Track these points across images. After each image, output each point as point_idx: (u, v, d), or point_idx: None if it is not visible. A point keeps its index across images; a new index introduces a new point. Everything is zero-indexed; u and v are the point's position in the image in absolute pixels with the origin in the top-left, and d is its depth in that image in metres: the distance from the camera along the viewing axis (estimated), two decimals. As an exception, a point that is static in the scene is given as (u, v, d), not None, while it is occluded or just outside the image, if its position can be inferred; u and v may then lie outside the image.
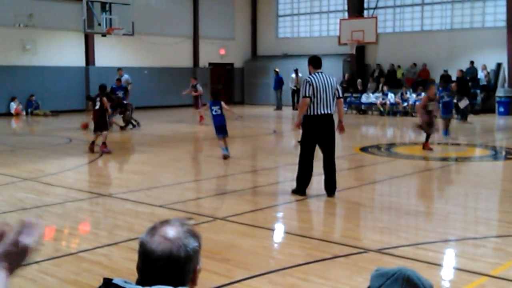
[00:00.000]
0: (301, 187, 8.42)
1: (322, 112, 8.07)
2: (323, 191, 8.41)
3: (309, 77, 8.10)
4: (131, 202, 7.99)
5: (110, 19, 19.91)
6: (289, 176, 10.59)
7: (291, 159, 12.20)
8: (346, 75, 26.80)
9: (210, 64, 30.34)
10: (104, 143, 12.59)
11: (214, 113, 11.67)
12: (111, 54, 25.90)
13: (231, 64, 31.53)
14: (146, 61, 27.30)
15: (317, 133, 8.18)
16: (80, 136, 15.98)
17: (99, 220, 7.34)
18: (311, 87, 7.99)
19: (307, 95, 8.00)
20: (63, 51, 24.46)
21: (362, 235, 6.57)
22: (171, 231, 1.72)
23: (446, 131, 14.87)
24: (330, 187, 8.37)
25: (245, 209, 7.59)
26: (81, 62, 25.24)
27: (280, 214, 7.71)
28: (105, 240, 6.23)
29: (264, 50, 32.38)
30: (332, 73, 30.06)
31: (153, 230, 1.75)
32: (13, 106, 22.81)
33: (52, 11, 23.64)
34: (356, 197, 8.55)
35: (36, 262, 5.37)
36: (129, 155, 13.10)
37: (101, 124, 12.65)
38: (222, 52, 30.99)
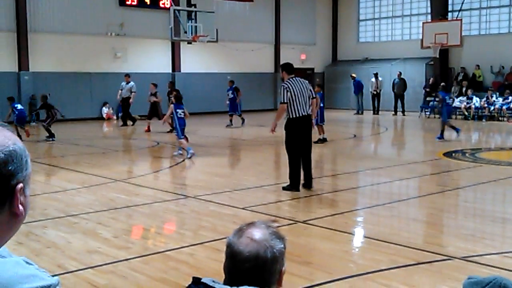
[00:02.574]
0: (294, 184, 8.95)
1: (302, 113, 8.74)
2: (405, 197, 8.32)
3: (286, 83, 8.74)
4: (214, 204, 8.23)
5: (195, 27, 20.51)
6: (369, 181, 10.56)
7: (371, 163, 12.14)
8: (431, 79, 26.16)
9: (291, 69, 30.47)
10: None
11: (178, 115, 12.69)
12: (196, 61, 26.67)
13: (312, 69, 31.57)
14: (229, 67, 27.86)
15: (299, 133, 8.83)
16: (167, 139, 16.57)
17: (185, 221, 7.61)
18: (288, 93, 8.65)
19: (285, 101, 8.67)
20: (151, 58, 25.46)
21: (446, 241, 6.46)
22: (257, 233, 1.75)
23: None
24: (309, 181, 9.07)
25: (326, 213, 7.64)
26: (168, 69, 26.17)
27: (360, 219, 7.70)
28: (190, 240, 6.45)
29: (345, 55, 32.19)
30: (414, 77, 29.48)
31: (240, 231, 1.78)
32: (105, 110, 23.97)
33: (141, 21, 24.68)
34: (440, 203, 8.39)
35: (127, 260, 5.69)
36: (213, 158, 13.46)
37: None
38: (303, 57, 31.10)
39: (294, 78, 8.85)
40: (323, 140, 15.27)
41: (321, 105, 15.32)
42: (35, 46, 22.40)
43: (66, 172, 11.29)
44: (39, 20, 22.33)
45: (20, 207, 1.25)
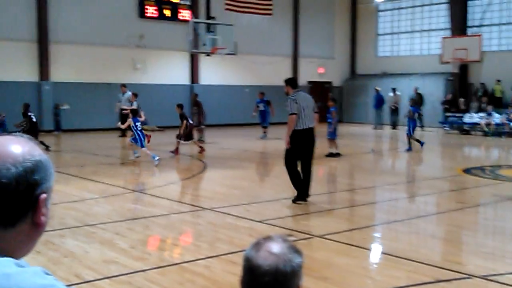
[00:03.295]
0: (301, 194, 9.01)
1: (307, 126, 8.93)
2: (423, 213, 8.24)
3: (293, 96, 8.95)
4: (231, 216, 8.21)
5: (214, 39, 20.63)
6: (387, 196, 10.48)
7: (390, 179, 12.06)
8: (449, 95, 25.99)
9: (309, 82, 30.55)
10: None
11: (138, 128, 13.88)
12: (214, 73, 26.82)
13: (330, 83, 31.55)
14: (247, 79, 27.96)
15: (303, 145, 8.96)
16: (185, 150, 16.62)
17: (201, 233, 7.59)
18: (296, 105, 8.83)
19: (294, 111, 8.83)
20: (170, 70, 25.66)
21: (465, 259, 6.37)
22: (276, 246, 1.73)
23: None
24: (306, 193, 9.06)
25: (343, 228, 7.59)
26: (187, 80, 26.34)
27: (378, 234, 7.64)
28: (206, 252, 6.43)
29: (363, 69, 32.15)
30: (433, 92, 29.38)
31: (257, 245, 1.75)
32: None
33: (161, 32, 24.92)
34: (459, 220, 8.29)
35: (143, 271, 5.69)
36: (229, 170, 13.48)
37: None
38: (321, 70, 31.11)
39: (298, 92, 9.07)
40: (335, 155, 15.16)
41: (336, 119, 15.28)
42: (56, 56, 22.70)
43: (84, 181, 11.37)
44: (61, 30, 22.63)
45: (43, 217, 1.26)
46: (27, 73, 22.20)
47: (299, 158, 9.05)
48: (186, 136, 15.58)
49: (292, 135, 9.01)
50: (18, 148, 1.24)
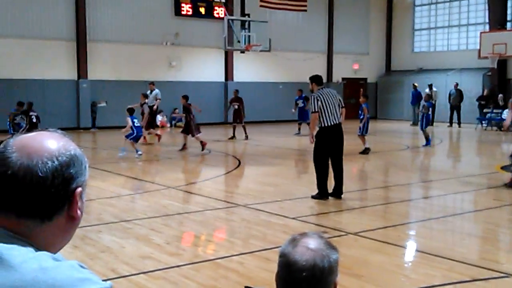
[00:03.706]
0: (323, 192, 9.03)
1: (333, 122, 8.95)
2: (460, 211, 8.11)
3: (317, 93, 9.02)
4: (265, 213, 8.24)
5: (249, 36, 20.66)
6: (422, 193, 10.35)
7: (425, 176, 11.90)
8: (485, 91, 25.45)
9: (343, 79, 30.33)
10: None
11: (136, 124, 14.53)
12: (248, 70, 26.87)
13: (365, 79, 31.27)
14: (281, 76, 27.93)
15: (331, 141, 9.01)
16: (219, 148, 16.73)
17: (235, 229, 7.63)
18: (319, 102, 8.91)
19: (316, 110, 8.93)
20: (205, 67, 25.82)
21: (502, 258, 6.26)
22: (313, 242, 1.74)
23: None
24: (339, 190, 9.14)
25: (377, 225, 7.53)
26: (221, 78, 26.47)
27: (413, 232, 7.56)
28: (240, 248, 6.46)
29: (399, 65, 31.73)
30: (471, 88, 28.69)
31: (294, 241, 1.76)
32: (159, 118, 24.36)
33: (195, 30, 25.09)
34: (496, 218, 8.14)
35: (178, 266, 5.76)
36: (263, 167, 13.51)
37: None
38: (356, 67, 30.85)
39: (323, 89, 9.11)
40: (365, 150, 15.00)
41: (368, 116, 15.15)
42: (94, 55, 23.09)
43: (120, 178, 11.55)
44: (98, 29, 23.02)
45: (78, 211, 1.29)
46: (66, 71, 22.66)
47: (328, 155, 9.04)
48: (192, 129, 15.37)
49: (319, 132, 9.09)
50: (54, 143, 1.26)
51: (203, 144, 15.36)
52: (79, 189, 1.28)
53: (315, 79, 9.27)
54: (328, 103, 8.94)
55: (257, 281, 5.23)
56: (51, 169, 1.23)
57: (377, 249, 6.44)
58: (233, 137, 19.11)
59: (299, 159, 15.40)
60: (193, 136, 15.44)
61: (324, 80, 29.35)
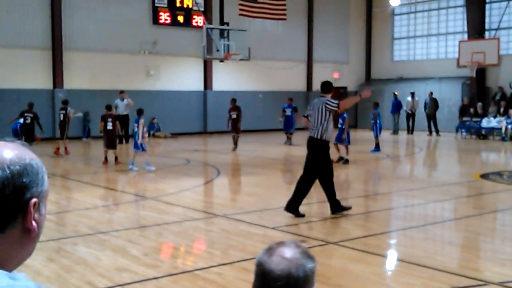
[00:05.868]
0: (338, 203, 8.59)
1: (312, 135, 8.55)
2: (440, 219, 8.10)
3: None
4: (244, 223, 8.15)
5: (228, 45, 20.61)
6: (403, 202, 10.35)
7: (405, 184, 11.91)
8: (465, 99, 25.72)
9: (323, 87, 30.41)
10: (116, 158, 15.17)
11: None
12: (227, 79, 26.82)
13: (345, 88, 31.42)
14: (260, 85, 27.93)
15: (327, 156, 8.67)
16: (198, 157, 16.60)
17: (214, 240, 7.54)
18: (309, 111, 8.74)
19: (304, 115, 8.86)
20: (184, 76, 25.69)
21: (482, 266, 6.25)
22: (288, 251, 1.73)
23: None
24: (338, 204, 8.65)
25: (358, 234, 7.49)
26: (200, 87, 26.36)
27: (393, 241, 7.53)
28: (219, 259, 6.38)
29: (379, 74, 31.96)
30: (450, 97, 28.89)
31: (270, 250, 1.75)
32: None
33: (174, 39, 24.96)
34: (476, 226, 8.15)
35: (156, 278, 5.64)
36: (243, 177, 13.41)
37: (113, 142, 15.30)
38: (336, 75, 30.99)
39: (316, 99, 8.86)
40: (345, 161, 14.95)
41: (347, 126, 15.21)
42: (70, 63, 22.83)
43: (97, 189, 11.37)
44: (74, 38, 22.77)
45: (34, 223, 1.22)
46: (41, 80, 22.35)
47: (324, 170, 8.53)
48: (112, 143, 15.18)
49: (322, 145, 8.51)
50: (8, 152, 1.22)
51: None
52: (34, 200, 1.22)
53: (320, 86, 9.05)
54: (310, 114, 8.62)
55: (236, 292, 5.14)
56: (1, 178, 1.17)
57: (358, 259, 6.40)
58: (235, 147, 18.89)
59: (280, 168, 15.35)
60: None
61: (304, 89, 29.62)
